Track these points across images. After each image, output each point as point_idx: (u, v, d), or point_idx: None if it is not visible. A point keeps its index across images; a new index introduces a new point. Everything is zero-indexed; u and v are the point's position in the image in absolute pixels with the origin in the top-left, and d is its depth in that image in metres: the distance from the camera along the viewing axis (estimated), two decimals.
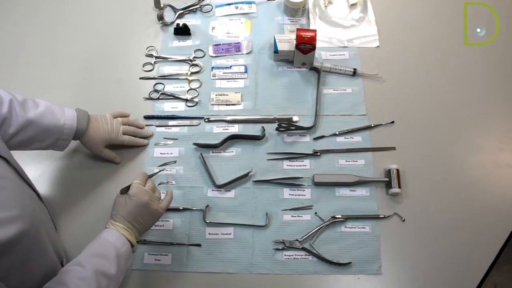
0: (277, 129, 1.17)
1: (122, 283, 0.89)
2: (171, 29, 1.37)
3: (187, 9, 1.41)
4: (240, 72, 1.28)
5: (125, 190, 0.91)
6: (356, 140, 1.17)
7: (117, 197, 0.92)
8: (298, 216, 1.07)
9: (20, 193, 0.76)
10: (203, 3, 1.42)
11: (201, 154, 1.15)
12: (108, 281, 0.81)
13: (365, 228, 1.06)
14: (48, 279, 0.77)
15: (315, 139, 1.17)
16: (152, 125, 1.21)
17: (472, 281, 1.00)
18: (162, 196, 0.98)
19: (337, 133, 1.17)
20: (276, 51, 1.26)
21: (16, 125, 0.95)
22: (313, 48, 1.19)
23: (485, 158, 1.15)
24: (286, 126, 1.16)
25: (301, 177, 1.11)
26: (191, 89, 1.26)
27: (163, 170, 1.12)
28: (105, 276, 0.81)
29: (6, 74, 1.33)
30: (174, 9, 1.41)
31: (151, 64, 1.31)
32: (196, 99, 1.24)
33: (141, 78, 1.29)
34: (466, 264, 1.02)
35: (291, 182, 1.11)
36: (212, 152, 1.16)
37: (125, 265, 0.87)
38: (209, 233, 1.06)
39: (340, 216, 1.06)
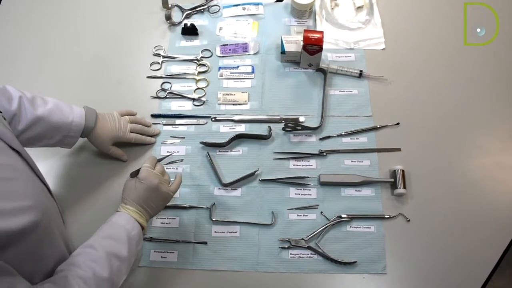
0: (283, 129, 1.18)
1: (129, 279, 0.89)
2: (179, 29, 1.38)
3: (194, 10, 1.42)
4: (247, 72, 1.29)
5: (135, 174, 0.93)
6: (362, 141, 1.17)
7: (127, 180, 0.93)
8: (304, 215, 1.08)
9: (32, 185, 0.77)
10: (211, 3, 1.43)
11: (208, 152, 1.15)
12: (120, 263, 0.82)
13: (370, 228, 1.06)
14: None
15: (321, 139, 1.18)
16: (159, 123, 1.22)
17: (475, 282, 1.00)
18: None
19: (343, 133, 1.18)
20: (283, 52, 1.27)
21: (25, 121, 0.96)
22: (320, 49, 1.20)
23: (488, 159, 1.15)
24: (292, 126, 1.17)
25: (307, 177, 1.12)
26: (198, 88, 1.27)
27: (172, 153, 1.13)
28: (117, 257, 0.82)
29: (16, 73, 1.33)
30: (182, 9, 1.42)
31: (158, 63, 1.32)
32: (203, 98, 1.24)
33: (148, 77, 1.30)
34: (469, 265, 1.02)
35: (297, 182, 1.12)
36: (219, 151, 1.17)
37: (136, 247, 0.87)
38: (215, 231, 1.07)
39: (345, 216, 1.07)
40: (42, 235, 0.73)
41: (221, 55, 1.33)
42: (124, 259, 0.83)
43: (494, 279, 1.02)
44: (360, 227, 1.06)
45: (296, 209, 1.09)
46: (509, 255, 1.05)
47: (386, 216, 1.07)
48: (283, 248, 1.04)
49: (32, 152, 1.03)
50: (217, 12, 1.42)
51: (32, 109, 0.97)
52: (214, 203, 1.09)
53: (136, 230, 0.88)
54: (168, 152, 1.15)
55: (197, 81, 1.28)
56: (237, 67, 1.30)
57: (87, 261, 0.78)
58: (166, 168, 1.12)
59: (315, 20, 1.39)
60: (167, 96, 1.26)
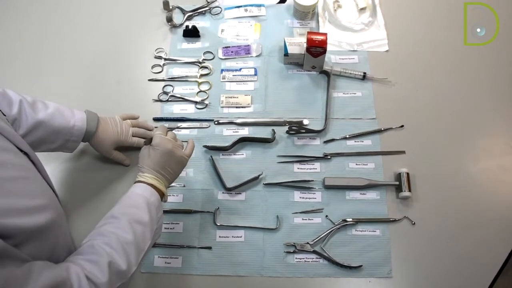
0: (287, 132, 1.17)
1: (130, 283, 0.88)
2: (180, 31, 1.37)
3: (196, 11, 1.41)
4: (250, 75, 1.28)
5: (148, 142, 0.94)
6: (366, 143, 1.17)
7: (142, 149, 0.94)
8: (308, 219, 1.07)
9: (44, 185, 0.78)
10: (212, 5, 1.42)
11: (211, 156, 1.14)
12: (143, 227, 0.84)
13: (375, 231, 1.06)
14: None
15: (326, 142, 1.17)
16: None
17: (481, 284, 1.01)
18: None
19: (347, 136, 1.17)
20: (286, 54, 1.26)
21: (26, 126, 0.94)
22: (324, 51, 1.19)
23: (493, 161, 1.15)
24: (296, 129, 1.16)
25: (312, 180, 1.11)
26: (200, 91, 1.26)
27: (181, 125, 1.18)
28: (139, 223, 0.83)
29: (15, 76, 1.32)
30: (183, 11, 1.41)
31: (160, 66, 1.31)
32: (206, 101, 1.23)
33: (150, 80, 1.29)
34: (475, 267, 1.02)
35: (302, 185, 1.11)
36: (222, 154, 1.16)
37: (156, 214, 0.88)
38: (219, 236, 1.06)
39: (350, 219, 1.06)
40: (57, 234, 0.75)
41: (223, 57, 1.32)
42: (146, 224, 0.84)
43: (498, 281, 1.02)
44: (365, 231, 1.06)
45: (301, 213, 1.08)
46: None
47: (391, 220, 1.06)
48: (288, 252, 1.03)
49: None
50: (218, 13, 1.41)
51: (33, 113, 0.96)
52: (218, 208, 1.08)
53: (154, 197, 0.89)
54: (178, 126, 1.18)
55: (199, 83, 1.27)
56: (240, 69, 1.29)
57: (110, 228, 0.81)
58: None
59: (318, 21, 1.38)
60: (169, 99, 1.25)
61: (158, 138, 0.92)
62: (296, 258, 1.03)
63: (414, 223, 1.06)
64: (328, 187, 1.10)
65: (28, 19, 1.45)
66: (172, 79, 1.29)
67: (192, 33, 1.35)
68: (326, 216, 1.07)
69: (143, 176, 0.90)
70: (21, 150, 0.77)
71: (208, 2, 1.42)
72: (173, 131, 1.18)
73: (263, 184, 1.12)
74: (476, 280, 1.01)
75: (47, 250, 0.72)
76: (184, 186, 1.12)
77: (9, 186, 0.66)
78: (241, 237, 1.06)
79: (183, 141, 0.99)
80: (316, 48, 1.19)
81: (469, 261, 1.03)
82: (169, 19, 1.37)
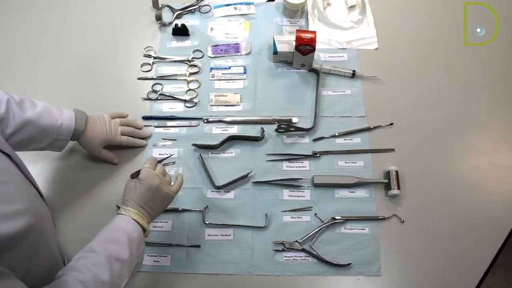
0: (276, 130, 1.17)
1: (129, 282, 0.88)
2: (170, 29, 1.37)
3: (185, 10, 1.41)
4: (239, 73, 1.28)
5: (135, 175, 0.92)
6: (355, 141, 1.17)
7: (128, 182, 0.92)
8: (297, 217, 1.07)
9: (25, 189, 0.76)
10: (202, 3, 1.41)
11: (200, 155, 1.14)
12: (122, 265, 0.81)
13: (364, 229, 1.06)
14: (51, 274, 0.77)
15: (315, 140, 1.17)
16: (150, 125, 1.20)
17: (469, 282, 1.01)
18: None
19: (336, 134, 1.17)
20: (275, 52, 1.26)
21: (13, 125, 0.94)
22: (313, 49, 1.19)
23: (482, 159, 1.15)
24: (285, 127, 1.16)
25: (301, 178, 1.11)
26: (189, 89, 1.25)
27: (171, 155, 1.12)
28: (118, 260, 0.81)
29: (2, 74, 1.31)
30: (172, 10, 1.40)
31: (149, 64, 1.30)
32: (195, 100, 1.23)
33: (139, 79, 1.28)
34: (464, 265, 1.02)
35: (291, 183, 1.11)
36: (211, 153, 1.16)
37: (137, 250, 0.86)
38: (208, 234, 1.06)
39: (339, 218, 1.06)
40: (36, 239, 0.73)
41: (212, 55, 1.32)
42: (125, 262, 0.82)
43: (486, 279, 1.03)
44: (354, 229, 1.06)
45: (289, 211, 1.08)
46: (502, 255, 1.05)
47: (380, 217, 1.06)
48: (277, 250, 1.03)
49: (22, 156, 1.01)
50: (208, 12, 1.41)
51: (20, 112, 0.95)
52: (207, 206, 1.08)
53: (137, 232, 0.86)
54: (166, 154, 1.13)
55: (188, 82, 1.27)
56: (229, 67, 1.29)
57: (87, 264, 0.77)
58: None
59: (307, 19, 1.38)
60: (158, 98, 1.24)
61: (146, 172, 0.90)
62: (285, 257, 1.03)
63: (403, 221, 1.06)
64: (317, 185, 1.10)
65: (17, 18, 1.44)
66: (162, 77, 1.28)
67: (181, 32, 1.35)
68: (315, 214, 1.07)
69: (127, 210, 0.88)
70: (3, 152, 0.76)
71: (197, 1, 1.42)
72: (162, 128, 1.18)
73: (252, 182, 1.11)
74: (465, 277, 1.01)
75: (25, 257, 0.70)
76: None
77: None
78: (230, 235, 1.06)
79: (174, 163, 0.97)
80: (305, 46, 1.19)
81: (458, 259, 1.03)
82: (159, 18, 1.37)
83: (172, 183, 0.96)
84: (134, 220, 0.87)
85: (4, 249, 0.63)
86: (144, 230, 0.89)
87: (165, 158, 1.02)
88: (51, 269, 0.79)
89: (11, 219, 0.65)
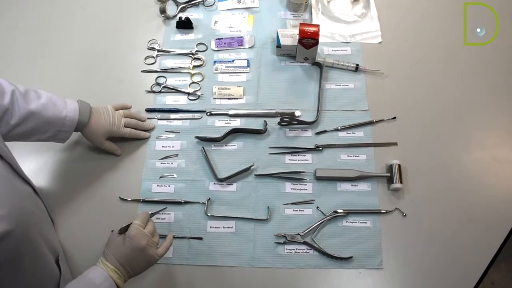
0: (279, 123, 1.17)
1: None
2: (173, 22, 1.37)
3: (189, 3, 1.41)
4: (243, 66, 1.28)
5: (124, 230, 0.87)
6: (358, 135, 1.17)
7: (113, 235, 0.88)
8: (299, 210, 1.07)
9: (9, 191, 0.72)
10: None
11: (203, 147, 1.14)
12: None
13: (366, 223, 1.06)
14: (38, 277, 0.76)
15: (317, 133, 1.17)
16: (154, 118, 1.20)
17: (471, 277, 1.00)
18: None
19: (339, 128, 1.17)
20: (278, 46, 1.25)
21: (18, 116, 0.94)
22: (316, 43, 1.19)
23: (485, 154, 1.15)
24: (288, 120, 1.16)
25: (303, 172, 1.11)
26: (193, 82, 1.26)
27: (165, 208, 1.05)
28: None
29: (7, 69, 1.31)
30: (177, 3, 1.40)
31: (153, 57, 1.31)
32: (198, 93, 1.23)
33: (143, 71, 1.29)
34: (466, 259, 1.02)
35: (293, 177, 1.11)
36: (214, 145, 1.16)
37: None
38: (210, 227, 1.06)
39: (341, 211, 1.06)
40: (17, 244, 0.70)
41: (216, 49, 1.32)
42: None
43: (489, 272, 1.02)
44: (356, 222, 1.06)
45: (292, 204, 1.08)
46: (505, 249, 1.05)
47: (382, 211, 1.06)
48: (279, 243, 1.04)
49: (24, 147, 1.03)
50: (212, 5, 1.41)
51: (25, 103, 0.95)
52: (209, 198, 1.08)
53: None
54: (158, 211, 1.02)
55: (192, 75, 1.27)
56: (233, 61, 1.29)
57: None
58: (161, 164, 1.12)
59: (311, 13, 1.38)
60: (162, 91, 1.25)
61: (135, 230, 0.86)
62: (286, 249, 1.03)
63: (405, 215, 1.06)
64: (319, 179, 1.10)
65: (22, 10, 1.45)
66: (165, 70, 1.28)
67: (185, 25, 1.35)
68: (317, 207, 1.07)
69: (106, 265, 0.84)
70: None
71: None
72: (165, 121, 1.19)
73: (255, 175, 1.12)
74: (467, 272, 1.01)
75: (3, 262, 0.68)
76: (175, 176, 1.12)
77: None
78: (232, 227, 1.06)
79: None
80: (308, 40, 1.18)
81: (461, 253, 1.03)
82: (163, 11, 1.37)
83: (159, 246, 0.91)
84: (111, 277, 0.83)
85: None
86: None
87: (157, 212, 0.98)
88: (39, 272, 0.78)
89: None
